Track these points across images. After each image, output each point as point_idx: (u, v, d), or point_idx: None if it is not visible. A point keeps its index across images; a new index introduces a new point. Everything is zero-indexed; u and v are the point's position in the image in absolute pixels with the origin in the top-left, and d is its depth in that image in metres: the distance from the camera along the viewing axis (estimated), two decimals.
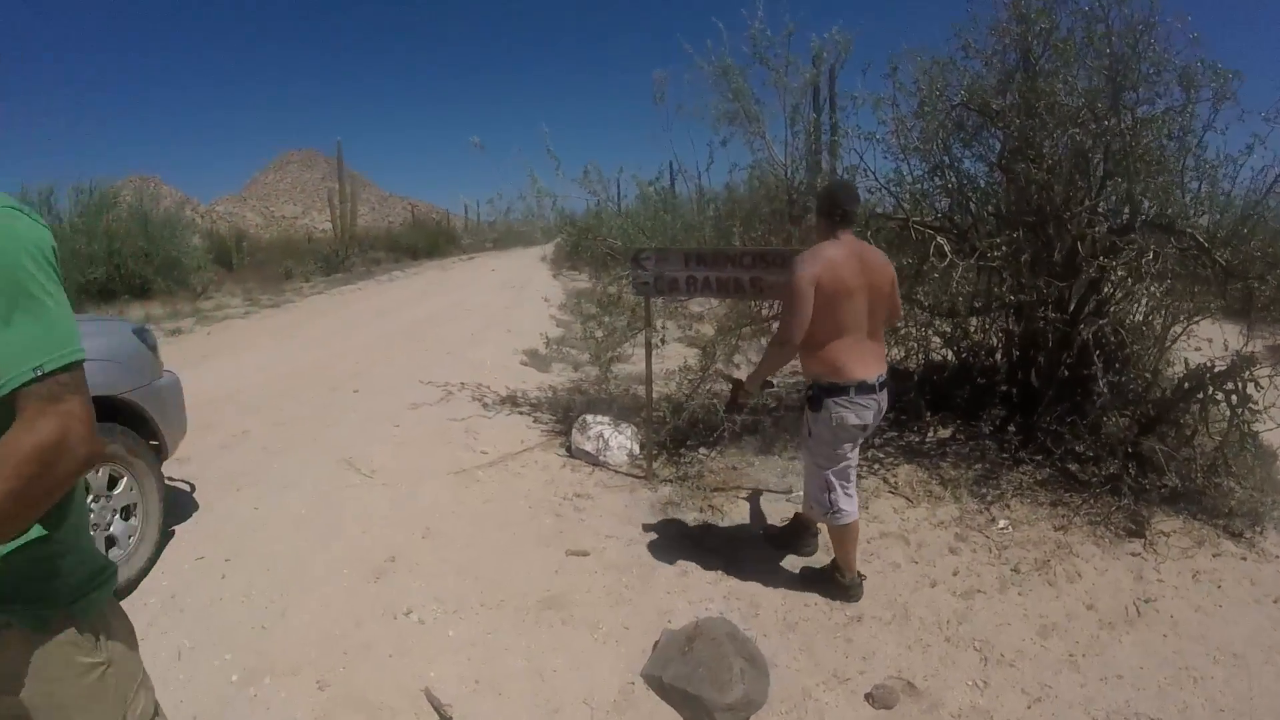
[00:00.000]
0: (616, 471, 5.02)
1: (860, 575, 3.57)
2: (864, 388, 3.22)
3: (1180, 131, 4.62)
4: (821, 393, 3.27)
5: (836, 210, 3.27)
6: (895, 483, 4.81)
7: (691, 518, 4.41)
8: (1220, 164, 4.57)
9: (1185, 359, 4.73)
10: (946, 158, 5.08)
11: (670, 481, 4.82)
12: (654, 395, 6.24)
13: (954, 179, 5.09)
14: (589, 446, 5.10)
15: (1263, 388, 4.18)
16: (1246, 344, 4.36)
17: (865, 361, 3.25)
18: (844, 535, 3.46)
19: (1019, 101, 4.83)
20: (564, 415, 6.05)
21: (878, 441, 5.27)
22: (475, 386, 6.93)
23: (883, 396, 3.33)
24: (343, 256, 22.22)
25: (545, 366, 7.97)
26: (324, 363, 8.42)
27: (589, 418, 5.27)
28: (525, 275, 19.58)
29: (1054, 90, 4.74)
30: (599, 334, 5.58)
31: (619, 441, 5.10)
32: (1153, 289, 4.49)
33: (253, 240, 25.04)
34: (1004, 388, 5.38)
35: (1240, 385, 4.25)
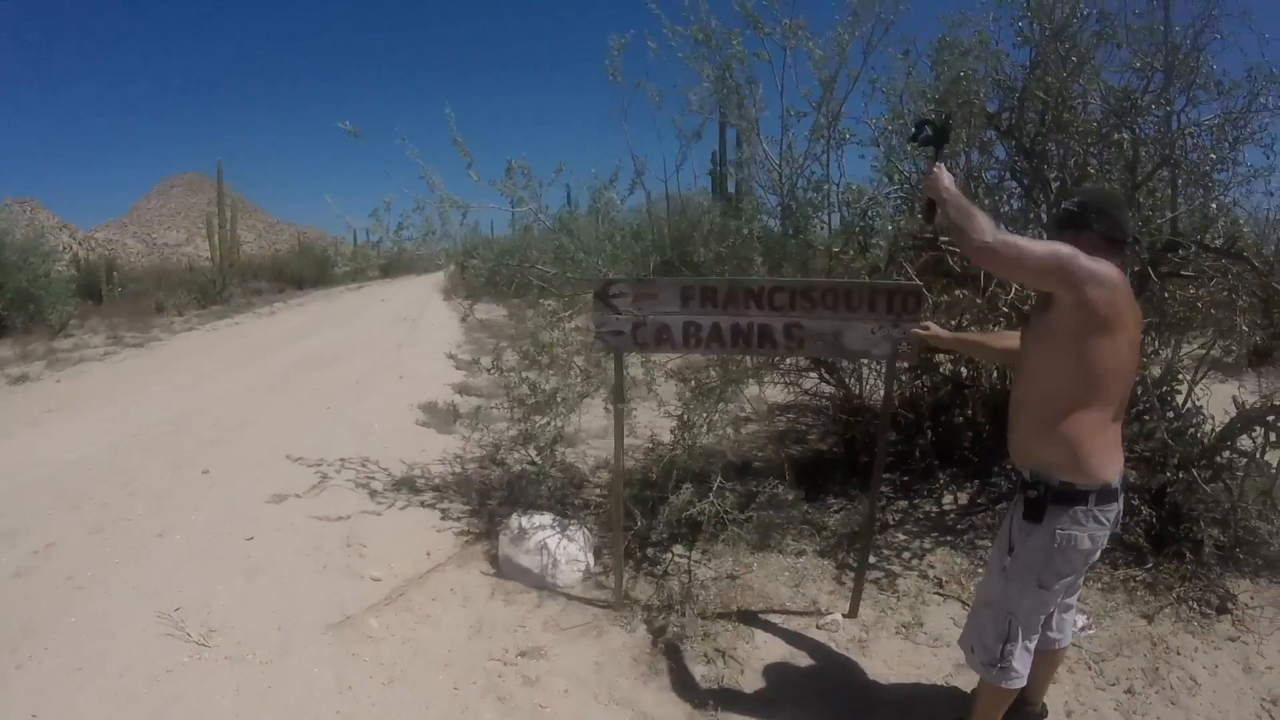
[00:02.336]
0: (569, 597, 3.18)
1: None
2: (1108, 494, 1.95)
3: (1236, 140, 3.39)
4: (1050, 497, 1.94)
5: (1118, 232, 1.96)
6: (936, 576, 3.28)
7: (698, 674, 2.67)
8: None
9: (1235, 397, 3.52)
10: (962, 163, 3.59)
11: (650, 609, 3.04)
12: (598, 477, 4.48)
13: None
14: (529, 563, 3.22)
15: None
16: None
17: (1114, 452, 1.98)
18: (999, 700, 2.21)
19: (1037, 106, 3.46)
20: (480, 503, 4.12)
21: (895, 518, 3.71)
22: (360, 463, 4.81)
23: (1120, 503, 2.01)
24: (220, 287, 18.79)
25: (448, 427, 5.82)
26: (178, 422, 6.06)
27: (523, 521, 3.36)
28: (419, 307, 16.97)
29: (1086, 87, 3.40)
30: (530, 399, 3.65)
31: (569, 553, 3.25)
32: (1238, 323, 3.16)
33: (125, 269, 21.06)
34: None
35: None
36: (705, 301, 2.61)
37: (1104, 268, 1.81)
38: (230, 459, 5.00)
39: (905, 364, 3.47)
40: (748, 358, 3.57)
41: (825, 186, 3.27)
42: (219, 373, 8.51)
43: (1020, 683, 2.12)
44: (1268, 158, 3.28)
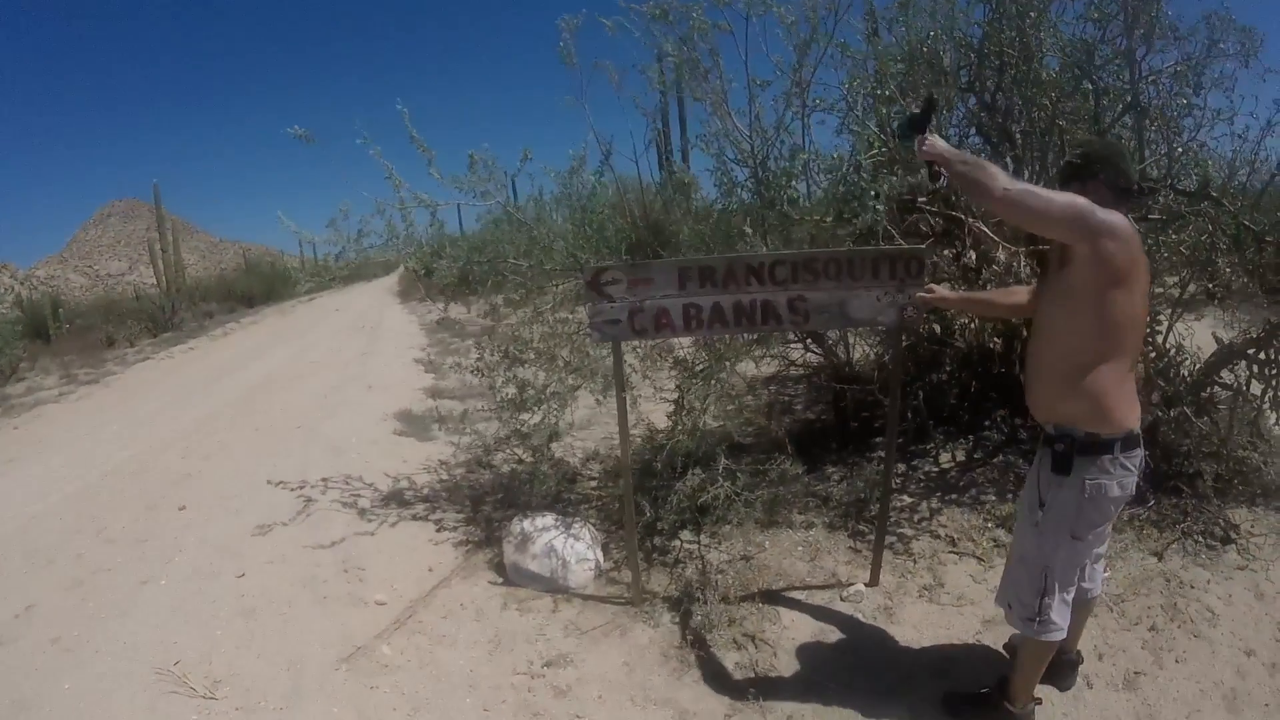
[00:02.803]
0: (585, 598, 3.03)
1: (1036, 700, 2.25)
2: (1132, 440, 1.93)
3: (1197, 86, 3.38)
4: (1076, 448, 1.91)
5: (1124, 180, 1.89)
6: (948, 535, 3.22)
7: (731, 662, 2.57)
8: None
9: (1215, 334, 3.54)
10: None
11: (670, 601, 2.91)
12: (590, 467, 4.30)
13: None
14: (538, 568, 3.06)
15: None
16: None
17: (1134, 399, 1.94)
18: (1040, 654, 2.17)
19: (993, 63, 3.39)
20: (474, 510, 3.92)
21: (898, 482, 3.63)
22: (343, 482, 4.51)
23: (1143, 447, 2.00)
24: (170, 312, 17.91)
25: (427, 433, 5.51)
26: (143, 459, 5.67)
27: (525, 525, 3.19)
28: (375, 313, 16.38)
29: (1044, 39, 3.33)
30: (518, 397, 3.45)
31: (577, 552, 3.09)
32: (1220, 264, 3.15)
33: (71, 305, 19.88)
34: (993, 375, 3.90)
35: (1273, 354, 3.24)
36: (704, 281, 2.45)
37: (1116, 219, 1.77)
38: (206, 492, 4.69)
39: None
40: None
41: (802, 155, 3.13)
42: (180, 401, 8.05)
43: (1060, 635, 2.10)
44: (1230, 101, 3.26)
